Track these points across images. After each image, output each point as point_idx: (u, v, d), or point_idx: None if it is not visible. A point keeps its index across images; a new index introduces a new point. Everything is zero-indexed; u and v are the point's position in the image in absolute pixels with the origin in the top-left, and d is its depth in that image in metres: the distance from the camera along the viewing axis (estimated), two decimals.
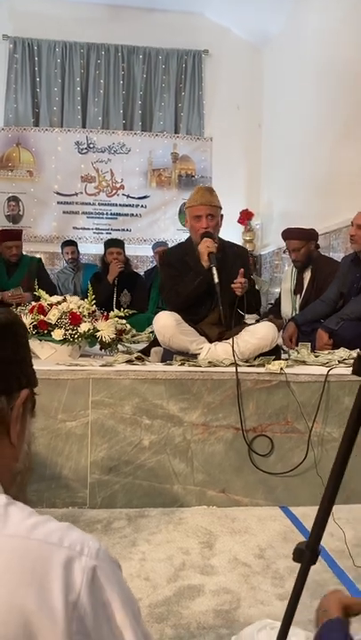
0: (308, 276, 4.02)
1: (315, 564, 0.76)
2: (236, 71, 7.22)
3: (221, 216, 3.05)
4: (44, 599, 0.58)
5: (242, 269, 2.82)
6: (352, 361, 2.75)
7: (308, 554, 0.73)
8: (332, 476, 0.67)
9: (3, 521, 0.62)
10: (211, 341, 2.88)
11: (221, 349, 2.79)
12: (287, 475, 2.46)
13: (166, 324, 2.81)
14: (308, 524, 2.26)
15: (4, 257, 4.84)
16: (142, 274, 6.25)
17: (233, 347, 2.67)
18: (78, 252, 6.29)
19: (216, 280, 2.78)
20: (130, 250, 6.80)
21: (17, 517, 0.64)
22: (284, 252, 4.24)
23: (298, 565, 1.91)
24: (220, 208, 3.04)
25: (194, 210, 2.99)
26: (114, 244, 5.29)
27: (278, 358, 2.78)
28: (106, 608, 0.63)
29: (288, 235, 4.02)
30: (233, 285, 2.80)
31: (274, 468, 2.47)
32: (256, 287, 5.93)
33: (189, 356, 2.78)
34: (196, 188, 3.10)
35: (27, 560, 0.60)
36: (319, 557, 1.94)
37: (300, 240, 3.94)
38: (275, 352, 2.90)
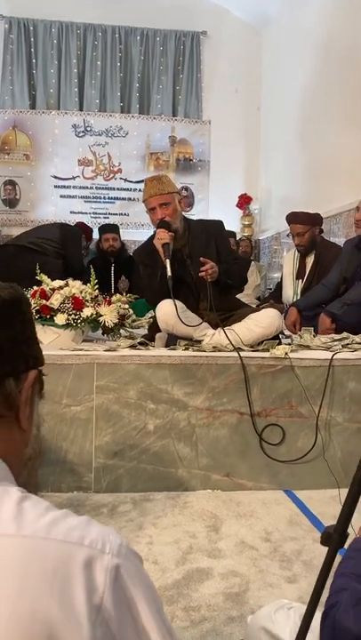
0: (310, 260, 4.00)
1: (343, 547, 0.76)
2: (234, 53, 7.14)
3: (181, 199, 2.99)
4: (67, 604, 0.54)
5: (202, 257, 2.75)
6: (356, 345, 2.76)
7: (335, 537, 0.72)
8: None
9: (18, 520, 0.58)
10: (213, 327, 2.87)
11: (225, 337, 2.77)
12: (297, 462, 2.47)
13: (168, 311, 2.78)
14: (313, 508, 2.28)
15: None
16: None
17: (227, 336, 2.63)
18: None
19: (169, 274, 2.71)
20: (128, 234, 6.77)
21: (33, 515, 0.59)
22: (288, 235, 4.20)
23: (304, 548, 1.93)
24: (176, 192, 2.96)
25: (146, 204, 2.93)
26: (109, 230, 5.22)
27: (280, 343, 2.77)
28: (131, 608, 0.59)
29: (293, 219, 3.98)
30: (200, 274, 2.74)
31: (278, 451, 2.48)
32: (258, 276, 5.94)
33: (194, 342, 2.77)
34: (145, 181, 3.02)
35: (47, 562, 0.55)
36: None
37: (305, 225, 3.90)
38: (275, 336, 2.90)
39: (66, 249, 4.55)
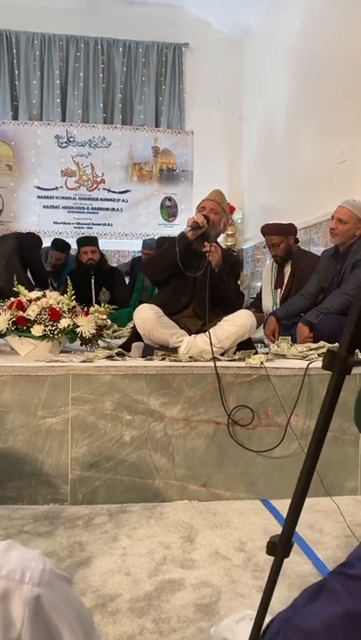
0: (288, 270, 4.04)
1: (288, 556, 0.77)
2: (216, 64, 7.22)
3: (225, 223, 3.18)
4: None
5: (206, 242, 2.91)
6: None
7: (280, 547, 0.73)
8: (305, 468, 0.68)
9: None
10: (191, 334, 2.89)
11: (201, 341, 2.80)
12: (265, 455, 2.48)
13: (147, 316, 2.82)
14: None
15: None
16: (129, 261, 6.26)
17: (210, 340, 2.67)
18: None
19: (187, 230, 2.92)
20: (111, 244, 6.80)
21: None
22: (264, 247, 4.25)
23: None
24: (226, 215, 3.18)
25: (202, 203, 3.16)
26: (87, 243, 5.09)
27: (256, 352, 2.78)
28: (55, 639, 0.57)
29: (267, 230, 4.04)
30: (204, 249, 2.87)
31: (256, 456, 2.48)
32: (240, 286, 6.00)
33: (170, 351, 2.78)
34: (214, 190, 3.27)
35: None
36: (299, 549, 1.95)
37: (279, 235, 3.96)
38: (249, 344, 2.93)
39: (27, 255, 4.69)
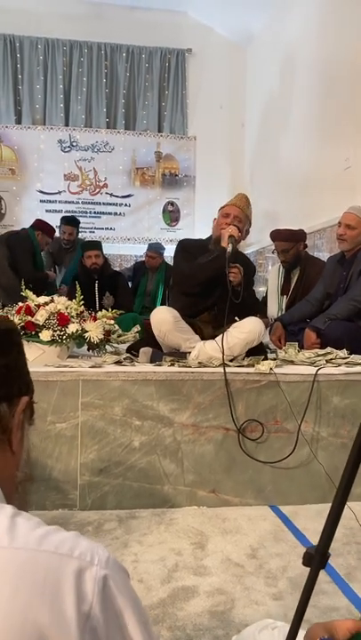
0: (295, 275, 4.04)
1: (324, 567, 0.77)
2: (219, 70, 7.24)
3: (247, 231, 3.14)
4: (57, 611, 0.57)
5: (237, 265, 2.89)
6: (340, 360, 2.78)
7: (317, 558, 0.73)
8: (343, 479, 0.68)
9: (11, 533, 0.61)
10: (204, 339, 2.89)
11: (210, 347, 2.80)
12: (275, 465, 2.47)
13: (164, 318, 2.82)
14: (298, 523, 2.28)
15: None
16: (131, 266, 6.25)
17: (223, 346, 2.67)
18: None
19: (229, 250, 2.83)
20: (113, 249, 6.80)
21: (25, 529, 0.62)
22: (273, 252, 4.24)
23: (289, 564, 1.93)
24: (249, 222, 3.13)
25: (226, 208, 3.09)
26: (91, 247, 5.07)
27: (266, 358, 2.79)
28: (118, 618, 0.62)
29: (276, 236, 4.03)
30: (229, 271, 2.84)
31: (263, 464, 2.48)
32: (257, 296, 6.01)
33: (179, 356, 2.78)
34: (238, 194, 3.21)
35: (38, 572, 0.59)
36: None
37: (289, 242, 3.95)
38: (260, 349, 2.93)
39: (15, 258, 4.77)
